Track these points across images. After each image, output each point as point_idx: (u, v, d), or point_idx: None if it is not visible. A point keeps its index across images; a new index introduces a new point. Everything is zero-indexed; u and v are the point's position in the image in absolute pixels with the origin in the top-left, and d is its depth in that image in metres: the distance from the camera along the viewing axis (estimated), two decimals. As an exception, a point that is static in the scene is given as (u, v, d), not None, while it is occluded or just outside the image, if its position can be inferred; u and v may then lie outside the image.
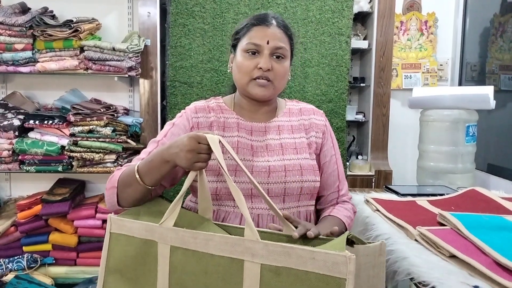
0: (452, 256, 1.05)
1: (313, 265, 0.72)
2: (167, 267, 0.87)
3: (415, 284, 0.99)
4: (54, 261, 2.31)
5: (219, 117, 1.22)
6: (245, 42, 1.16)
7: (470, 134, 2.21)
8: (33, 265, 2.28)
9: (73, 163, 2.30)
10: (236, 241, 0.80)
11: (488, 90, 2.11)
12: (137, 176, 0.99)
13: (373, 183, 2.64)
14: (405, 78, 3.00)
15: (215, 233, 0.83)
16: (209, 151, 0.92)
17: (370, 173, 2.66)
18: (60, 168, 2.29)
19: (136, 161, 1.10)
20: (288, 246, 0.74)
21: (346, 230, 1.17)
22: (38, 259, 2.29)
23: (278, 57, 1.16)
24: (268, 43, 1.14)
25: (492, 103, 2.09)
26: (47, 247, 2.32)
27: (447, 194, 1.66)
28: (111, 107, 2.35)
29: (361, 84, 2.82)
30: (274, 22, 1.18)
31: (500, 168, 2.47)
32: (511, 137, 2.52)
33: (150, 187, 1.00)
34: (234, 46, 1.23)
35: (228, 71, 1.28)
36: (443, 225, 1.26)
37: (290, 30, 1.21)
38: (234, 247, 0.80)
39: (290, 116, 1.28)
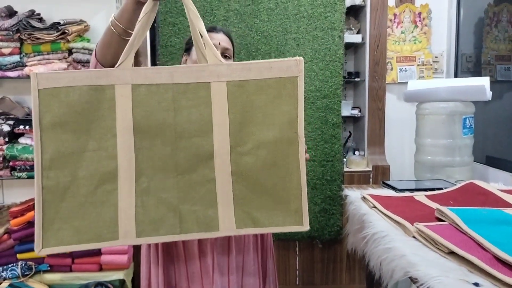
0: (451, 253, 1.01)
1: (271, 73, 0.88)
2: (130, 104, 0.87)
3: (413, 281, 0.96)
4: (49, 268, 2.28)
5: None
6: None
7: (467, 126, 2.17)
8: (27, 273, 2.24)
9: (65, 167, 2.26)
10: (201, 67, 0.88)
11: (484, 81, 2.07)
12: (112, 27, 0.97)
13: (371, 179, 2.60)
14: (400, 72, 2.97)
15: (178, 65, 0.89)
16: None
17: (367, 169, 2.62)
18: (52, 173, 2.25)
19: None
20: (248, 63, 0.88)
21: None
22: (33, 266, 2.26)
23: (225, 56, 1.32)
24: (219, 44, 1.31)
25: (489, 94, 2.06)
26: (41, 253, 2.29)
27: (445, 188, 1.63)
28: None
29: (356, 79, 2.79)
30: (221, 30, 1.36)
31: (499, 160, 2.44)
32: (509, 128, 2.49)
33: (125, 37, 0.96)
34: (187, 50, 1.35)
35: None
36: (442, 220, 1.23)
37: (232, 37, 1.39)
38: (200, 73, 0.87)
39: None
